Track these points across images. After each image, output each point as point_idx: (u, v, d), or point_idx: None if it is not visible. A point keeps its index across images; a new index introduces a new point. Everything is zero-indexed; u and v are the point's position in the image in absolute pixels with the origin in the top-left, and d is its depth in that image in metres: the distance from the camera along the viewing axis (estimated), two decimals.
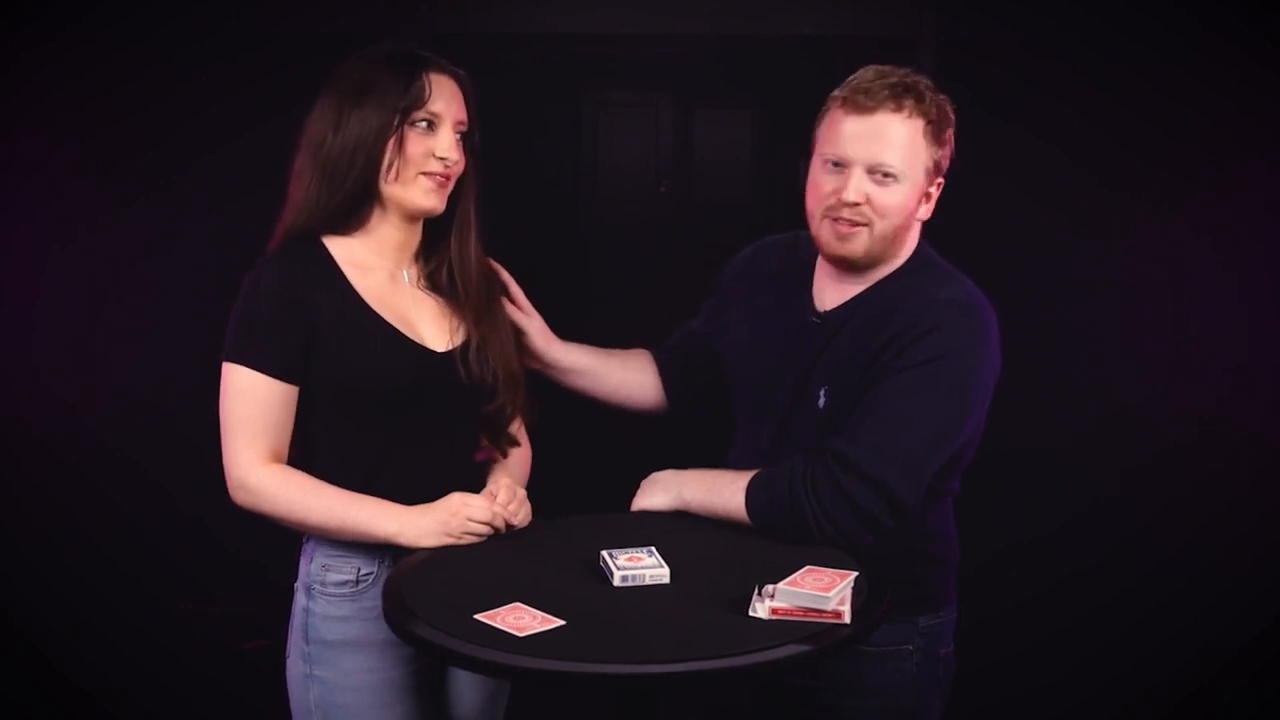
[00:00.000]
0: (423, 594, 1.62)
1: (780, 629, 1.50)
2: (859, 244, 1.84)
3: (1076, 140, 3.88)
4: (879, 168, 1.81)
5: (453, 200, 1.90)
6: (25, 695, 3.26)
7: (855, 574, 1.62)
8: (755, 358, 1.97)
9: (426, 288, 1.93)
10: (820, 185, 1.85)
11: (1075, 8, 3.87)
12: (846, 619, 1.52)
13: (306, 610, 1.87)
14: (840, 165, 1.83)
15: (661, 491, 1.92)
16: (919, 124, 1.81)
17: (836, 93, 1.86)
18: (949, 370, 1.77)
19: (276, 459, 1.81)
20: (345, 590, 1.84)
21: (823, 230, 1.86)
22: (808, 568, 1.63)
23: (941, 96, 1.86)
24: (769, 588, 1.55)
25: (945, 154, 1.87)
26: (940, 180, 1.88)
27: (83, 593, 3.63)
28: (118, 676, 3.37)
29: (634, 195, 7.67)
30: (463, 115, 1.87)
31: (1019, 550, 3.73)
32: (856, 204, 1.81)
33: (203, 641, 3.60)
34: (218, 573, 3.70)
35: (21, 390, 3.72)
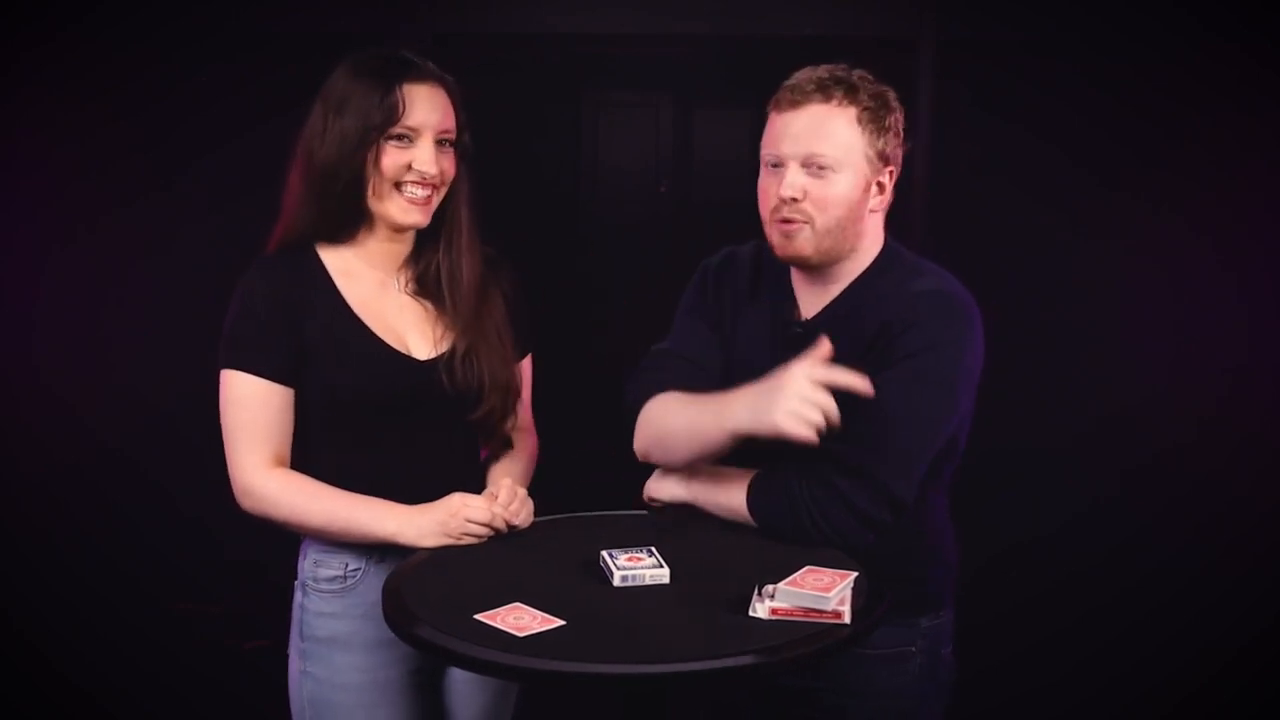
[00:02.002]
0: (423, 594, 1.62)
1: (780, 629, 1.50)
2: (803, 241, 1.83)
3: (1076, 140, 3.88)
4: (813, 159, 1.80)
5: (443, 206, 1.89)
6: (25, 695, 3.26)
7: (855, 574, 1.61)
8: (742, 371, 1.91)
9: (416, 293, 1.92)
10: (765, 190, 1.85)
11: (1075, 8, 3.87)
12: (846, 619, 1.52)
13: (302, 606, 1.89)
14: (778, 165, 1.82)
15: (674, 483, 1.91)
16: (851, 112, 1.80)
17: (772, 98, 1.86)
18: (934, 362, 1.76)
19: (279, 463, 1.81)
20: (335, 586, 1.86)
21: (772, 234, 1.85)
22: (808, 568, 1.63)
23: (881, 87, 1.83)
24: (769, 588, 1.55)
25: (890, 141, 1.83)
26: (891, 169, 1.85)
27: (83, 593, 3.64)
28: (118, 676, 3.37)
29: (634, 195, 7.67)
30: (447, 123, 1.85)
31: (1019, 551, 3.73)
32: (794, 200, 1.80)
33: (203, 641, 3.60)
34: (218, 573, 3.70)
35: (21, 390, 3.72)
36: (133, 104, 3.83)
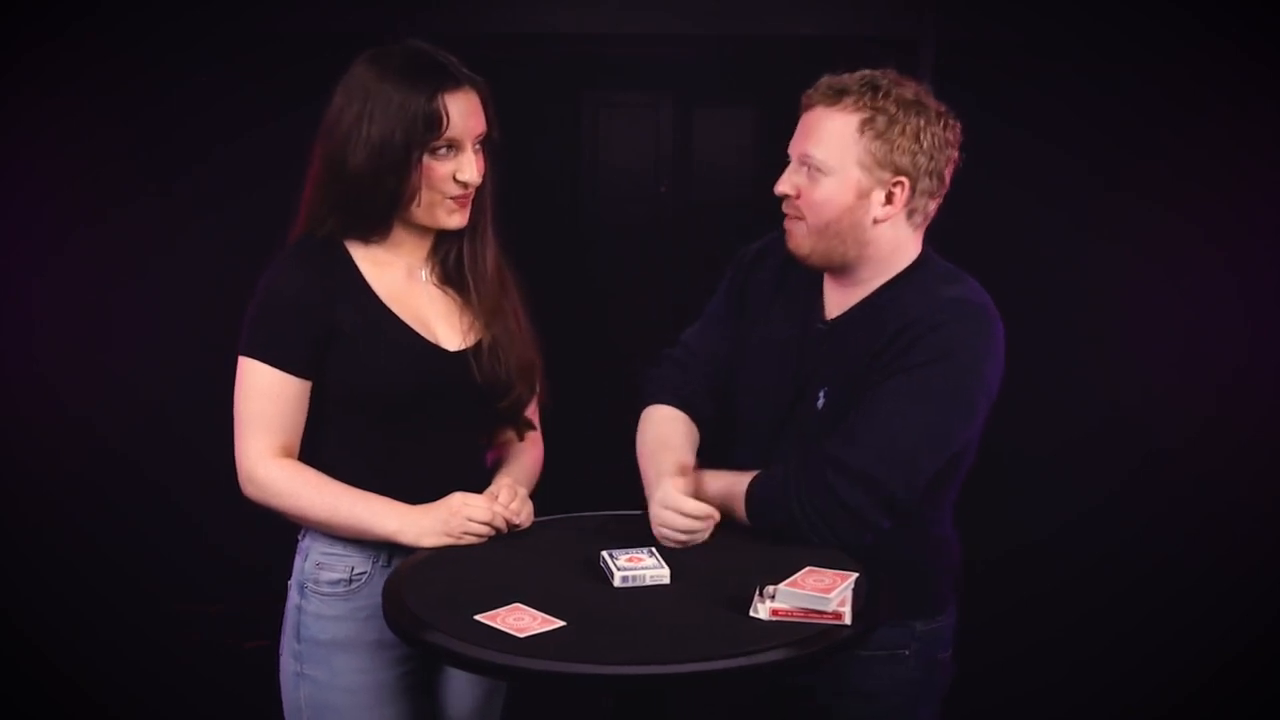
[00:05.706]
0: (423, 594, 1.62)
1: (780, 630, 1.50)
2: (798, 238, 1.85)
3: (1076, 140, 3.87)
4: (806, 160, 1.82)
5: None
6: (25, 695, 3.26)
7: (855, 575, 1.62)
8: (763, 363, 1.95)
9: (440, 283, 1.93)
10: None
11: (1075, 8, 3.86)
12: (846, 620, 1.53)
13: (299, 608, 1.88)
14: (790, 161, 1.86)
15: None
16: (855, 117, 1.79)
17: None
18: (948, 370, 1.76)
19: (287, 453, 1.82)
20: (339, 589, 1.85)
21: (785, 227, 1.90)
22: (808, 569, 1.63)
23: (912, 98, 1.80)
24: (769, 588, 1.55)
25: (904, 152, 1.79)
26: (900, 179, 1.80)
27: (83, 593, 3.63)
28: (118, 676, 3.37)
29: (634, 195, 7.66)
30: (481, 126, 1.84)
31: (1020, 551, 3.73)
32: (786, 195, 1.84)
33: (203, 641, 3.60)
34: (218, 573, 3.70)
35: (21, 390, 3.72)
36: (132, 104, 3.83)
